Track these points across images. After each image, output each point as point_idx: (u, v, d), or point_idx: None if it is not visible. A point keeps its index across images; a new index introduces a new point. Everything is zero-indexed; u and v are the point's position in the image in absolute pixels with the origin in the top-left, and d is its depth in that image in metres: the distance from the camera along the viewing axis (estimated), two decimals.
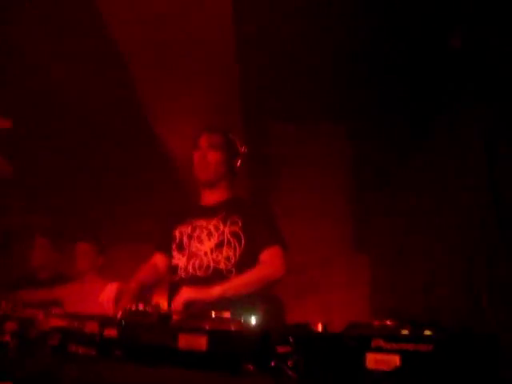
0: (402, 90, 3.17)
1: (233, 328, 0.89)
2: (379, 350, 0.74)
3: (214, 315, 1.03)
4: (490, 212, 2.31)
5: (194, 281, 1.72)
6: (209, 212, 1.90)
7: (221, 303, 1.50)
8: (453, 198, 2.84)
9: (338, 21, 2.89)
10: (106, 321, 1.06)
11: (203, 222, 1.87)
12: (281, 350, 0.80)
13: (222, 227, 1.83)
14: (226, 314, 1.06)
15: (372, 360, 0.74)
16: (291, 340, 0.80)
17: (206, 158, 1.87)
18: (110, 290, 1.47)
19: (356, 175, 4.27)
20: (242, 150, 1.94)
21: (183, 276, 1.80)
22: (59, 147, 3.31)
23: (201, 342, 0.89)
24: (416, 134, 3.32)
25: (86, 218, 3.87)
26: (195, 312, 1.37)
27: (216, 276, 1.73)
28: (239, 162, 1.97)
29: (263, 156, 4.04)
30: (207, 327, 0.91)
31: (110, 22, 2.62)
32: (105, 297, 1.45)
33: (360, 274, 4.58)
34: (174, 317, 1.04)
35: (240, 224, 1.83)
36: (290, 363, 0.79)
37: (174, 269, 1.85)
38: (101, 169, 3.72)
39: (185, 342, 0.91)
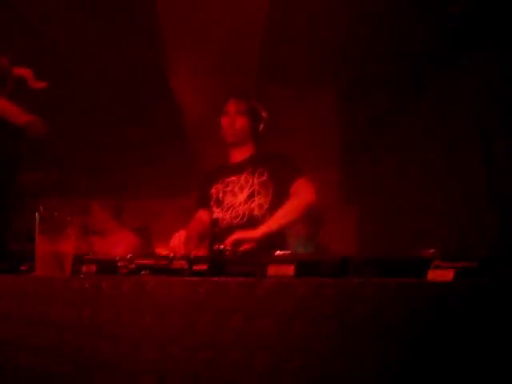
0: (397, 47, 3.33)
1: (315, 257, 1.11)
2: (438, 267, 0.99)
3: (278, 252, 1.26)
4: (487, 167, 2.58)
5: (232, 229, 1.95)
6: (237, 168, 2.15)
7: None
8: (446, 148, 3.08)
9: None
10: (194, 258, 1.27)
11: (234, 178, 2.12)
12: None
13: (251, 180, 2.08)
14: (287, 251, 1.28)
15: (432, 275, 0.99)
16: (367, 264, 1.03)
17: (235, 123, 2.08)
18: (179, 236, 1.68)
19: (348, 127, 4.45)
20: (264, 115, 2.15)
21: (223, 226, 2.05)
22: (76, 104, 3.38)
23: (288, 270, 1.11)
24: (410, 85, 3.52)
25: (100, 176, 3.98)
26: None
27: (251, 222, 1.99)
28: (262, 125, 2.19)
29: None
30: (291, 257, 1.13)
31: None
32: (175, 242, 1.66)
33: (350, 224, 4.86)
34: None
35: (266, 174, 2.08)
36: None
37: (214, 222, 2.11)
38: (111, 127, 3.81)
39: (273, 271, 1.13)
